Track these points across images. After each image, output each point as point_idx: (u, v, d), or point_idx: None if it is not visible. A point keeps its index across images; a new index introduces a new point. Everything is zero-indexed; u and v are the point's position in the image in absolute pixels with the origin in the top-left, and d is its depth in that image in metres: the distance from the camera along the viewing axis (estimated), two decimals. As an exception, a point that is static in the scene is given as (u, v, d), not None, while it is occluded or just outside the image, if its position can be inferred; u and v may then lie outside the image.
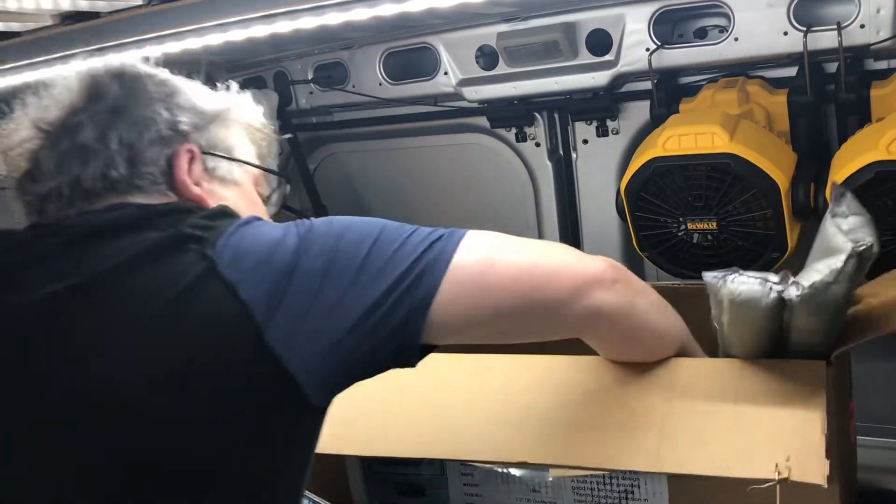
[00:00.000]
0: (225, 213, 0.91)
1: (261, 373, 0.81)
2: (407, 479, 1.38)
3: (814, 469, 0.90)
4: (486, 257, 0.89)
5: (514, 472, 1.24)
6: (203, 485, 0.82)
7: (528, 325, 0.95)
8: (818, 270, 0.94)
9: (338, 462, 1.39)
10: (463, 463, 1.29)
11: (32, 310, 0.84)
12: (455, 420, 1.11)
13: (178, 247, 0.83)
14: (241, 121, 1.07)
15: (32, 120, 0.97)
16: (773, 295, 0.95)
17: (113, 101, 0.95)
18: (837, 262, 0.92)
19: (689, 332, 1.11)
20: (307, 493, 1.23)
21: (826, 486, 0.89)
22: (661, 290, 1.07)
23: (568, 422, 1.06)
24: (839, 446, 1.08)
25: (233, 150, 1.03)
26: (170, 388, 0.80)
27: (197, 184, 0.97)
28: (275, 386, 0.81)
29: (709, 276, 1.01)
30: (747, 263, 1.64)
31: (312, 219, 0.89)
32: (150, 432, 0.80)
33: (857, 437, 1.32)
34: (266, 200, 1.12)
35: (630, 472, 1.16)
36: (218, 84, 1.07)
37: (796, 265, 1.11)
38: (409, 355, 0.87)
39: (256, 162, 1.08)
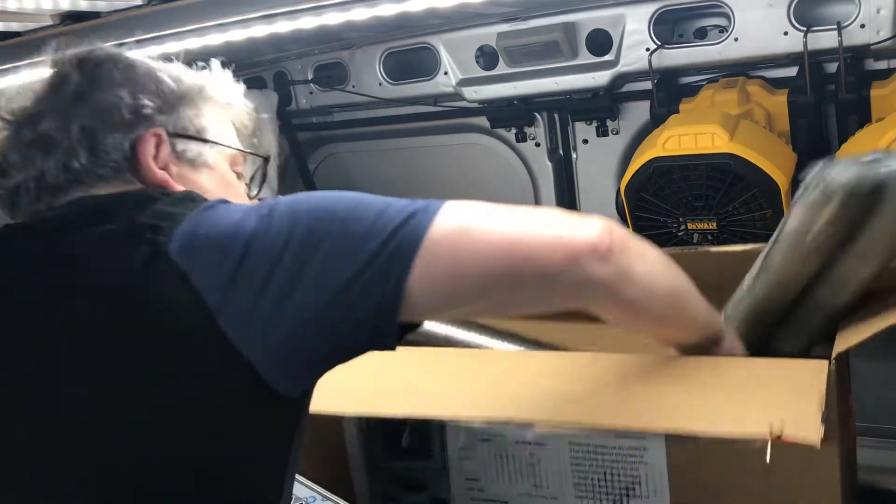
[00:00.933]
0: (190, 199, 0.86)
1: (217, 360, 0.78)
2: (409, 473, 1.39)
3: (808, 429, 0.89)
4: (464, 230, 0.82)
5: (510, 448, 1.27)
6: (171, 477, 0.80)
7: (518, 300, 0.88)
8: None
9: (341, 456, 1.40)
10: (463, 453, 1.32)
11: (4, 316, 0.83)
12: (449, 386, 1.13)
13: (132, 238, 0.80)
14: (217, 99, 1.01)
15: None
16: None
17: (75, 87, 0.91)
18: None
19: (696, 287, 1.02)
20: (318, 489, 1.24)
21: (819, 447, 0.88)
22: None
23: (562, 393, 1.06)
24: (841, 435, 1.08)
25: (204, 132, 0.98)
26: (134, 380, 0.78)
27: (164, 168, 0.92)
28: (233, 373, 0.78)
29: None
30: (747, 263, 1.64)
31: (279, 197, 0.84)
32: (120, 427, 0.79)
33: (857, 436, 1.32)
34: (251, 180, 1.07)
35: (630, 466, 1.20)
36: (195, 63, 1.02)
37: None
38: (386, 338, 0.81)
39: (231, 142, 1.02)
